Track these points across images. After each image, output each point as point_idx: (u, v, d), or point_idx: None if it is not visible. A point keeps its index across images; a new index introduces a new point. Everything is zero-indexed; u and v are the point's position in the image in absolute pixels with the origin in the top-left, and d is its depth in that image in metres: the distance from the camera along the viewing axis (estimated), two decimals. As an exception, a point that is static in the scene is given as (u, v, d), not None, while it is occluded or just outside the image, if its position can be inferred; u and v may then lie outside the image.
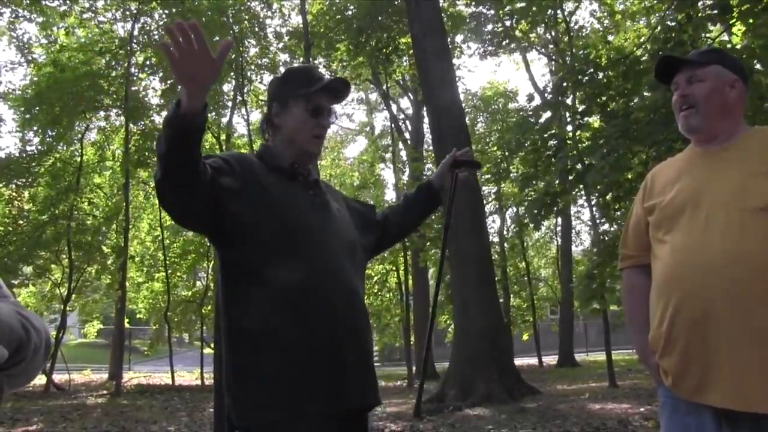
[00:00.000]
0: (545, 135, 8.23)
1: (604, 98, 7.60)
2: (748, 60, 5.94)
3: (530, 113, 8.42)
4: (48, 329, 1.17)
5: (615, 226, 9.56)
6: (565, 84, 7.85)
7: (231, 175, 1.88)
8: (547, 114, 8.31)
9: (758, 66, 6.06)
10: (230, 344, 1.91)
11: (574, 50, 11.54)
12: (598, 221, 11.36)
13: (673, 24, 7.54)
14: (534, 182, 8.77)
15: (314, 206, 2.04)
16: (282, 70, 19.84)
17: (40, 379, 15.74)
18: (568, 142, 7.90)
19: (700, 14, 6.85)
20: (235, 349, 1.90)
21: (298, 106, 2.08)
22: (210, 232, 1.94)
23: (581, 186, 7.87)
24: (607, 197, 7.75)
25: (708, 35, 8.09)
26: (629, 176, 7.36)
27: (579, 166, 7.51)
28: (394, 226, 2.42)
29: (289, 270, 1.87)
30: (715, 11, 6.51)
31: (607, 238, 9.38)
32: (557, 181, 7.85)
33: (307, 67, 2.30)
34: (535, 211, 8.08)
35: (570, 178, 7.56)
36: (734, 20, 6.62)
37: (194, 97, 1.67)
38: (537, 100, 8.97)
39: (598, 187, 7.32)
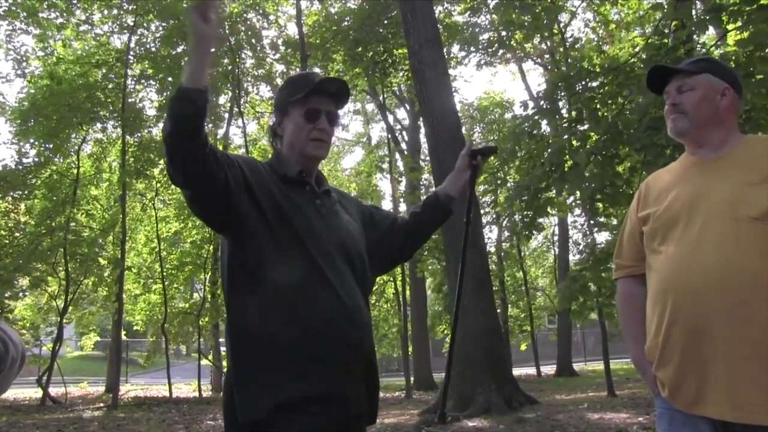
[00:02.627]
0: (538, 142, 8.24)
1: (596, 105, 7.61)
2: (744, 64, 5.94)
3: (525, 122, 8.38)
4: (23, 343, 1.18)
5: (605, 233, 9.57)
6: (561, 93, 7.85)
7: (240, 174, 1.90)
8: (543, 121, 8.32)
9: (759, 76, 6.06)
10: (231, 345, 1.93)
11: (569, 60, 11.57)
12: (583, 226, 11.36)
13: (667, 31, 7.58)
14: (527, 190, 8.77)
15: (320, 215, 2.04)
16: (279, 80, 19.97)
17: (37, 392, 15.68)
18: (555, 138, 7.91)
19: (694, 21, 6.87)
20: (235, 350, 1.92)
21: (295, 112, 2.10)
22: (218, 223, 1.96)
23: (566, 186, 7.84)
24: (599, 205, 7.75)
25: (703, 45, 8.13)
26: (617, 182, 7.36)
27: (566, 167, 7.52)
28: (403, 233, 2.36)
29: (287, 275, 1.89)
30: (709, 16, 6.53)
31: (591, 241, 9.39)
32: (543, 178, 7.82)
33: (306, 72, 2.30)
34: (523, 216, 8.06)
35: (555, 175, 7.52)
36: (727, 23, 6.63)
37: (201, 67, 1.78)
38: (531, 106, 8.99)
39: (585, 184, 7.30)
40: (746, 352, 1.86)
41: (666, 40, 7.19)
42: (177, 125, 1.74)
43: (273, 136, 2.20)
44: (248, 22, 18.94)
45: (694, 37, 7.29)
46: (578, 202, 9.49)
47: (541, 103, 8.52)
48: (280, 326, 1.87)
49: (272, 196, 1.96)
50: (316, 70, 19.24)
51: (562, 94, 7.91)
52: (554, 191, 8.18)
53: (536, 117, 8.16)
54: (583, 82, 7.54)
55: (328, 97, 2.13)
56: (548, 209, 8.54)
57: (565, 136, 8.37)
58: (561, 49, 17.89)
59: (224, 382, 2.00)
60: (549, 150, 7.87)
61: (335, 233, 2.04)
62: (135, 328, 24.81)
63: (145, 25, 16.98)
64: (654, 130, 6.08)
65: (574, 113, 8.02)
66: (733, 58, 6.11)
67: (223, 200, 1.84)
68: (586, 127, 7.76)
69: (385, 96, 21.54)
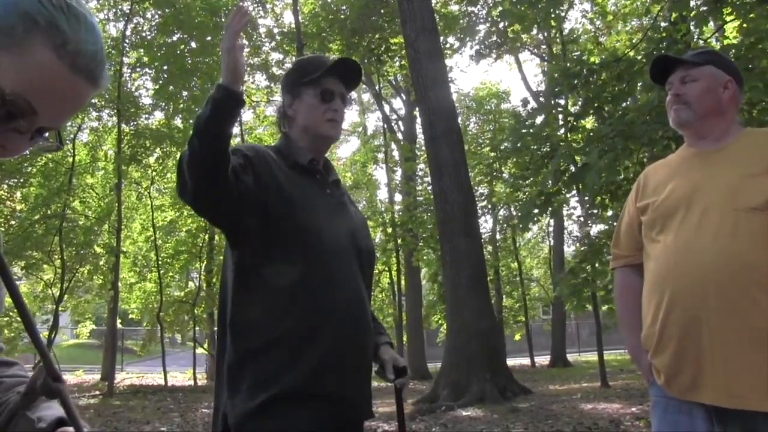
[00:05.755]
0: (538, 139, 8.22)
1: (598, 102, 7.60)
2: (744, 56, 5.93)
3: (525, 118, 8.36)
4: None
5: (602, 226, 9.60)
6: (557, 89, 7.84)
7: (250, 172, 1.83)
8: (541, 117, 8.30)
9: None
10: (231, 341, 1.88)
11: (566, 53, 11.57)
12: (582, 218, 11.40)
13: (666, 24, 7.57)
14: (525, 183, 8.76)
15: (329, 206, 1.99)
16: (275, 69, 19.86)
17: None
18: (561, 143, 7.91)
19: (693, 13, 6.87)
20: (235, 347, 1.86)
21: (308, 93, 2.05)
22: (228, 225, 1.91)
23: (575, 186, 7.86)
24: (598, 198, 7.75)
25: (700, 36, 8.12)
26: (623, 176, 7.37)
27: (572, 167, 7.52)
28: None
29: (294, 270, 1.84)
30: (708, 7, 6.52)
31: (593, 235, 9.43)
32: (550, 182, 7.84)
33: (317, 55, 2.25)
34: (534, 211, 8.06)
35: (564, 178, 7.54)
36: (729, 15, 6.64)
37: (240, 72, 1.72)
38: (532, 104, 8.98)
39: (595, 187, 7.32)
40: (743, 339, 1.88)
41: (664, 33, 7.18)
42: (212, 140, 1.66)
43: (282, 118, 2.13)
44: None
45: (692, 28, 7.27)
46: (574, 192, 9.50)
47: (540, 98, 8.53)
48: (280, 322, 1.82)
49: (279, 187, 1.88)
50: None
51: (558, 89, 7.90)
52: (565, 193, 8.18)
53: (537, 116, 8.15)
54: (585, 72, 7.51)
55: (340, 78, 2.09)
56: (557, 208, 8.57)
57: (561, 132, 8.39)
58: (558, 40, 17.87)
59: (217, 374, 1.94)
60: (548, 144, 7.87)
61: (343, 226, 1.99)
62: (130, 316, 24.81)
63: (141, 12, 16.90)
64: (660, 124, 6.08)
65: (572, 108, 8.03)
66: (733, 51, 6.11)
67: (231, 215, 1.82)
68: (586, 120, 7.77)
69: (381, 85, 21.51)
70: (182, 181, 1.72)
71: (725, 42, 7.46)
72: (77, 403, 12.34)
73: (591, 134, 7.52)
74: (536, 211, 7.89)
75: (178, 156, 18.04)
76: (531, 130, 7.98)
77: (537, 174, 8.11)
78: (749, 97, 5.58)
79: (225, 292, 1.95)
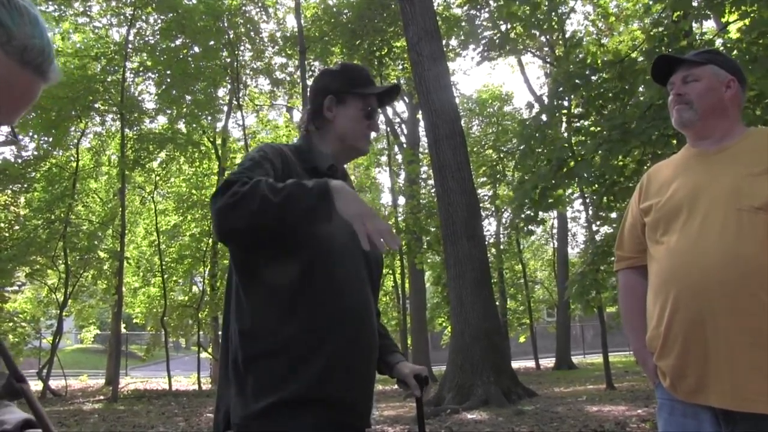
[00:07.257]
0: (543, 141, 8.20)
1: (600, 101, 7.60)
2: (746, 54, 5.92)
3: (530, 123, 8.33)
4: None
5: (608, 228, 9.57)
6: (560, 89, 7.82)
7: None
8: (543, 118, 8.27)
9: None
10: (238, 344, 1.86)
11: (569, 55, 11.56)
12: (590, 219, 11.36)
13: (667, 22, 7.56)
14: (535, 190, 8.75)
15: None
16: (278, 73, 19.85)
17: (37, 385, 15.70)
18: (563, 137, 7.91)
19: (694, 12, 6.86)
20: (241, 350, 1.84)
21: (355, 105, 2.06)
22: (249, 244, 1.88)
23: (574, 182, 7.83)
24: (604, 200, 7.73)
25: (702, 37, 8.12)
26: (624, 174, 7.36)
27: (572, 162, 7.50)
28: None
29: (302, 274, 1.82)
30: (710, 4, 6.51)
31: (599, 238, 9.40)
32: (550, 175, 7.81)
33: (364, 67, 2.27)
34: (527, 212, 8.03)
35: (561, 171, 7.51)
36: (731, 13, 6.62)
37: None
38: (536, 108, 8.97)
39: (594, 186, 7.28)
40: (748, 340, 1.86)
41: (665, 31, 7.18)
42: (280, 222, 1.66)
43: (314, 117, 2.09)
44: (247, 15, 18.92)
45: (694, 26, 7.27)
46: (578, 194, 9.45)
47: (544, 99, 8.49)
48: (286, 327, 1.81)
49: None
50: (315, 62, 19.25)
51: (560, 90, 7.89)
52: (562, 189, 8.15)
53: (542, 117, 8.13)
54: (587, 73, 7.50)
55: (382, 98, 2.14)
56: (560, 206, 8.53)
57: (565, 134, 8.37)
58: (560, 41, 17.86)
59: (220, 377, 1.94)
60: (552, 147, 7.87)
61: (354, 231, 1.93)
62: (134, 321, 24.84)
63: (143, 17, 16.96)
64: (660, 120, 6.06)
65: (575, 110, 8.02)
66: (736, 46, 6.10)
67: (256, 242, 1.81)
68: (589, 122, 7.75)
69: (384, 88, 21.46)
70: (224, 210, 1.69)
71: (728, 36, 7.45)
72: (81, 408, 12.36)
73: (592, 131, 7.51)
74: (532, 208, 7.87)
75: (180, 158, 18.00)
76: (537, 134, 7.95)
77: (547, 180, 8.09)
78: (757, 92, 5.56)
79: (230, 295, 1.94)
